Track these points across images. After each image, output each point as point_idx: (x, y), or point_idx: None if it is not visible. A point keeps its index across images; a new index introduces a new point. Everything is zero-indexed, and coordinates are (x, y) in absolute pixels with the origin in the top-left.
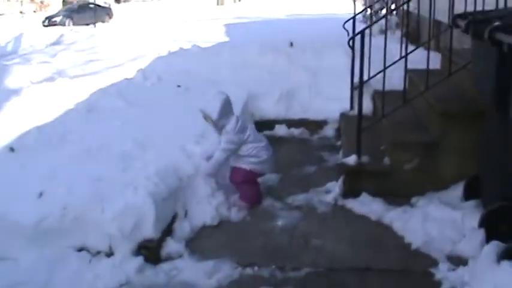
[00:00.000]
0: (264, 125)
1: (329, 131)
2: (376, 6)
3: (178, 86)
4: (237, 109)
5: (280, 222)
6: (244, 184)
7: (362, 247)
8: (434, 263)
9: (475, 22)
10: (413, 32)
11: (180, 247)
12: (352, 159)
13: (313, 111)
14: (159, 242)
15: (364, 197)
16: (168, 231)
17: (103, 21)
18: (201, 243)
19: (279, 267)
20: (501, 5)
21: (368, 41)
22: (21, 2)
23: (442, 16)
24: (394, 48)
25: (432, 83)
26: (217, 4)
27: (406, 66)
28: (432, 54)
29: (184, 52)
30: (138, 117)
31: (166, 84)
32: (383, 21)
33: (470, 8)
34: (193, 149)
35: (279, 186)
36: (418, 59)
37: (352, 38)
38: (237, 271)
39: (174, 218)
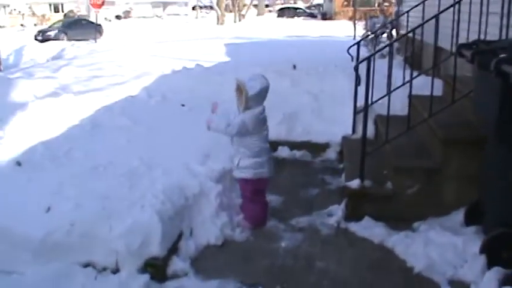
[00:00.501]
0: None
1: (331, 153)
2: (378, 31)
3: (183, 105)
4: None
5: (283, 244)
6: (252, 202)
7: (365, 270)
8: (437, 287)
9: (481, 53)
10: (414, 58)
11: (185, 266)
12: (355, 183)
13: (315, 133)
14: (165, 260)
15: (367, 220)
16: (173, 250)
17: (94, 38)
18: (206, 262)
19: None
20: (503, 35)
21: (370, 66)
22: (23, 15)
23: (445, 43)
24: (395, 73)
25: (435, 110)
26: (217, 23)
27: (410, 91)
28: (431, 80)
29: (188, 71)
30: (143, 136)
31: (171, 103)
32: (382, 46)
33: (472, 36)
34: (198, 169)
35: (282, 207)
36: (419, 85)
37: (357, 64)
38: None
39: (179, 237)
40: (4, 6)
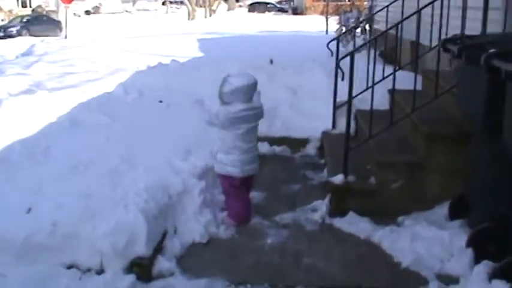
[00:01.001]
0: None
1: (311, 149)
2: (352, 25)
3: (160, 101)
4: None
5: (269, 241)
6: (233, 197)
7: (352, 266)
8: (425, 281)
9: (468, 47)
10: (389, 52)
11: (171, 265)
12: (338, 178)
13: (294, 129)
14: (151, 260)
15: (351, 216)
16: (158, 249)
17: (54, 34)
18: (192, 261)
19: (272, 285)
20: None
21: (347, 61)
22: None
23: (422, 38)
24: (372, 68)
25: (417, 105)
26: (188, 19)
27: (394, 86)
28: (411, 74)
29: (164, 67)
30: (122, 133)
31: (148, 100)
32: (357, 40)
33: (450, 32)
34: (180, 166)
35: (265, 204)
36: (398, 79)
37: (337, 59)
38: None
39: (164, 235)
40: None
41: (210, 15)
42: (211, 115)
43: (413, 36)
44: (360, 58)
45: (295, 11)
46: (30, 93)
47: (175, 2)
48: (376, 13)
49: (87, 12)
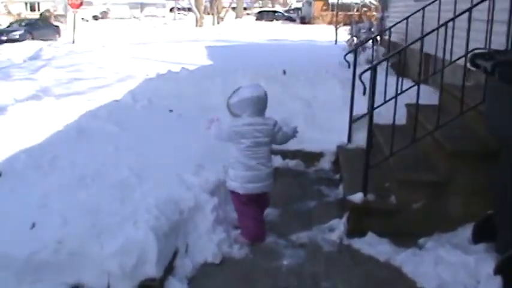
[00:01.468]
0: None
1: (325, 163)
2: (363, 36)
3: (171, 110)
4: None
5: (286, 262)
6: (243, 215)
7: None
8: None
9: (503, 64)
10: (400, 64)
11: (182, 287)
12: (358, 197)
13: (308, 142)
14: (161, 281)
15: (371, 236)
16: (169, 269)
17: (52, 39)
18: (205, 283)
19: None
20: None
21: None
22: None
23: (430, 49)
24: (383, 80)
25: (443, 122)
26: (196, 26)
27: (418, 100)
28: (426, 88)
29: (174, 75)
30: (131, 143)
31: (158, 108)
32: (369, 51)
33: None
34: (191, 180)
35: (280, 221)
36: (411, 92)
37: (354, 71)
38: None
39: (174, 255)
40: None
41: (218, 23)
42: (218, 128)
43: (428, 49)
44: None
45: (303, 20)
46: (36, 99)
47: (183, 9)
48: (394, 25)
49: (95, 17)
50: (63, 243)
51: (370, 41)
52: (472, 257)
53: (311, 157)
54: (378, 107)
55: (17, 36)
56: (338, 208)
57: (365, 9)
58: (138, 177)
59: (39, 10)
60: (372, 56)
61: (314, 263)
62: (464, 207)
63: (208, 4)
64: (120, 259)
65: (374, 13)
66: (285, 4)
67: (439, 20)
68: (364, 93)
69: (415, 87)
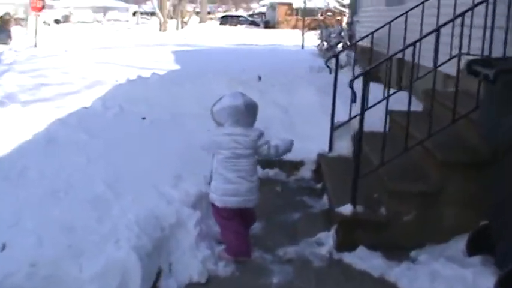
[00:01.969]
0: None
1: (306, 172)
2: (333, 40)
3: (143, 118)
4: None
5: (275, 280)
6: (225, 229)
7: None
8: None
9: (506, 72)
10: (373, 71)
11: None
12: (347, 209)
13: None
14: None
15: (361, 250)
16: None
17: (5, 43)
18: None
19: None
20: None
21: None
22: None
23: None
24: (356, 85)
25: (426, 127)
26: (160, 30)
27: (410, 106)
28: (403, 94)
29: (144, 81)
30: (104, 153)
31: (129, 115)
32: (340, 56)
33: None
34: (171, 193)
35: (264, 234)
36: (393, 99)
37: (336, 77)
38: None
39: (158, 275)
40: None
41: (182, 27)
42: (203, 138)
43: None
44: (343, 75)
45: (267, 25)
46: (1, 106)
47: (146, 13)
48: (376, 31)
49: (57, 21)
50: (37, 266)
51: (340, 45)
52: (469, 270)
53: (291, 166)
54: (364, 111)
55: None
56: (324, 220)
57: (329, 13)
58: (114, 190)
59: None
60: (354, 61)
61: (304, 280)
62: (457, 218)
63: (171, 8)
64: (101, 282)
65: (338, 18)
66: (248, 9)
67: (421, 29)
68: (354, 101)
69: (395, 93)
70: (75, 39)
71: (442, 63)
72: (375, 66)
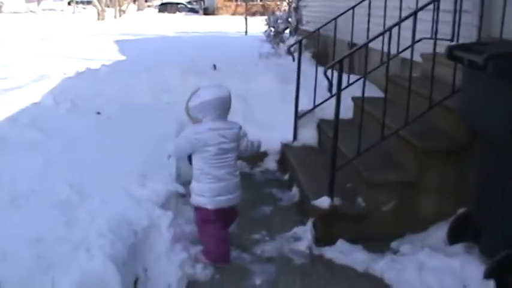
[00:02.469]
0: None
1: (270, 163)
2: (281, 26)
3: (98, 113)
4: (169, 139)
5: (257, 281)
6: (206, 233)
7: None
8: None
9: (496, 57)
10: (321, 53)
11: None
12: (325, 202)
13: None
14: None
15: (341, 244)
16: None
17: None
18: None
19: None
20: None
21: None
22: None
23: (357, 38)
24: (310, 71)
25: (389, 113)
26: (98, 19)
27: (386, 94)
28: (355, 78)
29: (94, 73)
30: (61, 153)
31: (83, 111)
32: (290, 41)
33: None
34: (139, 194)
35: (238, 231)
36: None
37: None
38: None
39: (135, 283)
40: None
41: (120, 16)
42: (176, 143)
43: (356, 39)
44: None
45: (206, 12)
46: None
47: (82, 3)
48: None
49: None
50: (2, 284)
51: (287, 30)
52: (456, 260)
53: (254, 157)
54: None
55: None
56: (296, 213)
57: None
58: (79, 193)
59: None
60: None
61: (288, 279)
62: (436, 206)
63: None
64: None
65: (277, 3)
66: None
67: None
68: (329, 90)
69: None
70: (9, 30)
71: (405, 48)
72: (349, 54)
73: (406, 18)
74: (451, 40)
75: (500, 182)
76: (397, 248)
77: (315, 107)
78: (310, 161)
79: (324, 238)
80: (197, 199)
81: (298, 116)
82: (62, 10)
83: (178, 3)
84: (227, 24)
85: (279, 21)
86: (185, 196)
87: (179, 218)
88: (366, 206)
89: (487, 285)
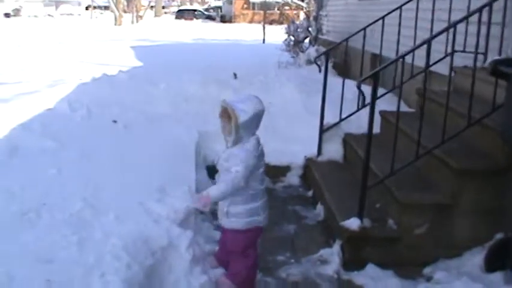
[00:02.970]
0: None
1: (293, 178)
2: (301, 35)
3: (115, 121)
4: (189, 151)
5: None
6: (243, 257)
7: None
8: None
9: None
10: (341, 64)
11: None
12: (354, 223)
13: (272, 154)
14: None
15: (371, 268)
16: None
17: None
18: None
19: None
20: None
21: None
22: None
23: (377, 49)
24: (333, 82)
25: (428, 131)
26: (115, 24)
27: (423, 108)
28: (382, 91)
29: (111, 79)
30: (75, 163)
31: (99, 119)
32: (310, 51)
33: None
34: (157, 210)
35: (261, 252)
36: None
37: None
38: None
39: None
40: None
41: (137, 21)
42: (240, 174)
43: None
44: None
45: (223, 19)
46: None
47: (99, 8)
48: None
49: (7, 15)
50: None
51: (307, 40)
52: None
53: (277, 171)
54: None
55: None
56: (322, 233)
57: (286, 7)
58: (93, 208)
59: None
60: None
61: None
62: (471, 230)
63: (125, 2)
64: None
65: (295, 12)
66: (203, 3)
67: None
68: (364, 104)
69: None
70: (27, 34)
71: (435, 62)
72: (386, 66)
73: (444, 31)
74: (485, 54)
75: None
76: (430, 274)
77: (341, 120)
78: (336, 177)
79: (352, 262)
80: (249, 220)
81: (323, 130)
82: (79, 15)
83: (195, 10)
84: (244, 32)
85: (299, 30)
86: (204, 213)
87: (198, 236)
88: (397, 229)
89: None
